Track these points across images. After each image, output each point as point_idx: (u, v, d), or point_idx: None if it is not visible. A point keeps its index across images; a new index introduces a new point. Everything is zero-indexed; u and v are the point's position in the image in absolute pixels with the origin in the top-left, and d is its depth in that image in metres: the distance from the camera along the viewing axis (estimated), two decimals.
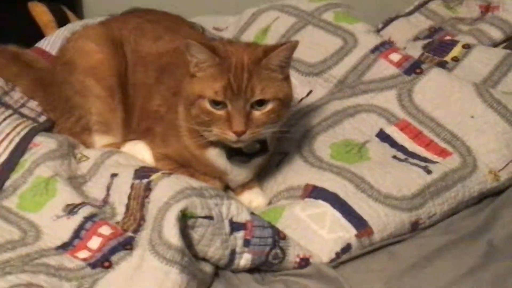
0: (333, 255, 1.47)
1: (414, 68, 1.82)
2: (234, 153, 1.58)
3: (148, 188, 1.48)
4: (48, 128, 1.83)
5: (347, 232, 1.48)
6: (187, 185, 1.43)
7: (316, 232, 1.49)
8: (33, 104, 1.93)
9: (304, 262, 1.45)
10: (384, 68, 1.85)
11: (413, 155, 1.68)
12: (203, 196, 1.41)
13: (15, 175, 1.63)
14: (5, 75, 1.94)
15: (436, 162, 1.64)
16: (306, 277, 1.43)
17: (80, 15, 2.64)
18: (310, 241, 1.48)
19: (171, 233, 1.31)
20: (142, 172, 1.56)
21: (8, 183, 1.61)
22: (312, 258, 1.45)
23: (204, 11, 2.42)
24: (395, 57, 1.86)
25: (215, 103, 1.48)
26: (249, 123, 1.47)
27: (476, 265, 1.43)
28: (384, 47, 1.89)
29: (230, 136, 1.47)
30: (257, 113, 1.48)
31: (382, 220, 1.51)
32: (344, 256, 1.47)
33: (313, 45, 1.95)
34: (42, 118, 1.88)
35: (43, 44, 2.16)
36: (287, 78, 1.55)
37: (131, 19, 1.88)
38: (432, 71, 1.80)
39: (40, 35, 2.26)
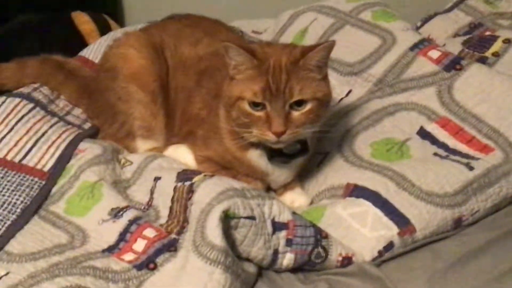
0: (375, 254, 1.47)
1: (453, 65, 1.81)
2: (275, 154, 1.59)
3: (190, 190, 1.50)
4: (93, 134, 1.88)
5: (389, 230, 1.48)
6: (229, 186, 1.45)
7: (358, 230, 1.50)
8: (78, 111, 1.98)
9: (347, 261, 1.45)
10: (423, 65, 1.84)
11: (454, 152, 1.67)
12: (245, 197, 1.43)
13: (62, 181, 1.67)
14: (50, 83, 1.99)
15: (479, 159, 1.63)
16: (349, 276, 1.43)
17: (121, 23, 2.68)
18: (352, 239, 1.49)
19: (214, 234, 1.33)
20: (185, 175, 1.58)
21: (55, 188, 1.66)
22: (354, 256, 1.46)
23: (242, 15, 2.43)
24: (434, 54, 1.85)
25: (254, 104, 1.49)
26: (288, 123, 1.48)
27: None
28: (423, 44, 1.89)
29: (270, 137, 1.49)
30: (296, 114, 1.49)
31: (425, 217, 1.50)
32: (386, 254, 1.47)
33: (352, 45, 1.95)
34: (87, 125, 1.93)
35: (86, 53, 2.21)
36: (325, 78, 1.56)
37: (170, 24, 1.91)
38: (472, 67, 1.79)
39: (83, 44, 2.30)
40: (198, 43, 1.82)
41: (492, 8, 2.23)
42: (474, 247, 1.46)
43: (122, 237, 1.48)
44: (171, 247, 1.42)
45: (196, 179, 1.53)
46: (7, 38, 2.25)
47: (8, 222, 1.55)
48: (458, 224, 1.53)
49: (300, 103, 1.49)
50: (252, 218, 1.40)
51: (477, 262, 1.43)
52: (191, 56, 1.81)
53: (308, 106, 1.50)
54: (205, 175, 1.55)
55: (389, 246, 1.47)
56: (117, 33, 2.22)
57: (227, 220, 1.38)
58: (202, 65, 1.78)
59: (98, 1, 2.65)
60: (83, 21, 2.39)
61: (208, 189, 1.46)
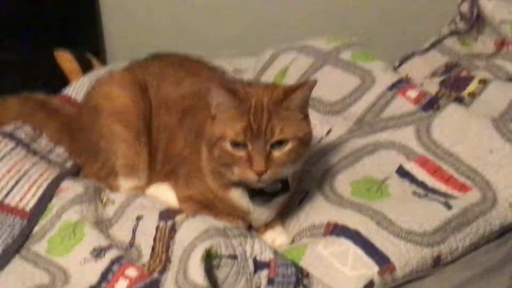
0: None
1: (431, 104, 1.84)
2: (256, 193, 1.60)
3: (173, 229, 1.51)
4: (75, 173, 1.88)
5: (370, 269, 1.49)
6: (211, 226, 1.46)
7: (338, 269, 1.50)
8: (59, 150, 1.98)
9: None
10: (401, 105, 1.87)
11: (433, 190, 1.69)
12: (227, 236, 1.44)
13: (43, 221, 1.66)
14: (32, 122, 1.99)
15: (457, 197, 1.65)
16: None
17: (103, 61, 2.70)
18: (333, 278, 1.49)
19: (197, 273, 1.33)
20: (167, 214, 1.59)
21: (37, 228, 1.65)
22: None
23: (224, 53, 2.46)
24: (413, 93, 1.89)
25: (236, 144, 1.50)
26: (269, 163, 1.49)
27: None
28: (401, 84, 1.92)
29: (251, 176, 1.50)
30: (277, 153, 1.51)
31: (404, 256, 1.51)
32: None
33: (332, 84, 1.98)
34: (69, 164, 1.93)
35: (68, 91, 2.22)
36: (306, 117, 1.57)
37: (153, 64, 1.93)
38: (449, 107, 1.82)
39: (66, 82, 2.31)
40: (181, 83, 1.84)
41: (468, 49, 2.28)
42: (453, 285, 1.48)
43: (104, 277, 1.47)
44: (153, 287, 1.42)
45: (178, 218, 1.54)
46: None
47: None
48: (437, 263, 1.54)
49: (281, 143, 1.51)
50: (234, 257, 1.41)
51: None
52: (174, 95, 1.82)
53: (289, 146, 1.52)
54: (187, 214, 1.55)
55: (370, 285, 1.48)
56: (100, 71, 2.24)
57: (209, 260, 1.38)
58: (184, 104, 1.79)
59: (80, 39, 2.67)
60: (65, 59, 2.41)
61: (190, 229, 1.47)
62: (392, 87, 1.92)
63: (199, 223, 1.49)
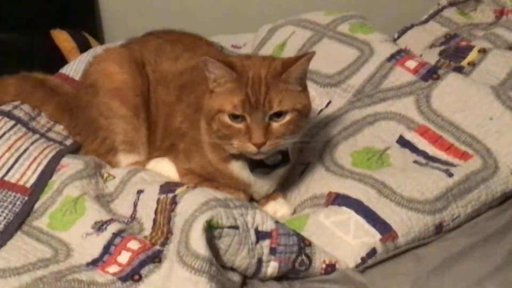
0: (358, 260, 1.48)
1: (430, 74, 1.84)
2: (256, 165, 1.61)
3: (174, 202, 1.51)
4: (75, 150, 1.88)
5: (372, 237, 1.49)
6: (212, 197, 1.46)
7: (341, 238, 1.51)
8: (59, 128, 1.99)
9: (330, 268, 1.46)
10: (400, 75, 1.87)
11: (434, 159, 1.69)
12: (228, 207, 1.44)
13: (44, 196, 1.67)
14: (31, 101, 1.99)
15: (458, 165, 1.65)
16: (333, 283, 1.44)
17: (101, 41, 2.70)
18: (336, 247, 1.50)
19: (198, 244, 1.33)
20: (167, 187, 1.59)
21: (38, 204, 1.65)
22: (338, 264, 1.47)
23: (222, 30, 2.46)
24: (411, 64, 1.88)
25: (234, 116, 1.51)
26: (268, 134, 1.50)
27: (501, 265, 1.43)
28: (400, 55, 1.92)
29: (251, 148, 1.50)
30: (275, 125, 1.51)
31: (406, 224, 1.51)
32: (369, 261, 1.48)
33: (330, 57, 1.98)
34: (69, 142, 1.93)
35: (66, 70, 2.22)
36: (304, 89, 1.58)
37: (151, 40, 1.93)
38: (449, 76, 1.82)
39: (63, 62, 2.31)
40: (179, 58, 1.84)
41: (467, 19, 2.28)
42: (455, 252, 1.48)
43: (106, 250, 1.48)
44: (156, 258, 1.43)
45: (179, 191, 1.54)
46: None
47: None
48: (439, 230, 1.55)
49: (279, 115, 1.51)
50: (235, 227, 1.41)
51: (459, 267, 1.45)
52: (172, 71, 1.82)
53: (287, 117, 1.52)
54: (187, 187, 1.56)
55: (372, 252, 1.48)
56: (97, 50, 2.23)
57: (211, 230, 1.38)
58: (182, 79, 1.79)
59: (77, 19, 2.67)
60: (63, 39, 2.40)
61: (191, 200, 1.47)
62: (391, 58, 1.92)
63: (199, 195, 1.48)
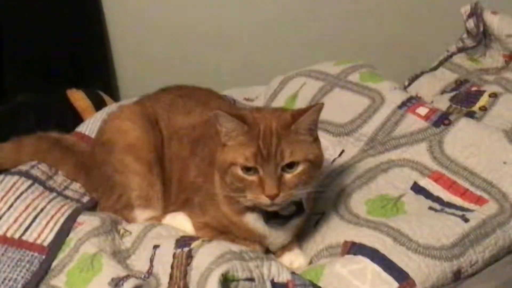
0: None
1: (442, 120, 1.84)
2: (271, 217, 1.61)
3: (189, 256, 1.51)
4: (91, 207, 1.89)
5: (390, 286, 1.48)
6: (227, 250, 1.46)
7: (358, 287, 1.50)
8: (76, 186, 1.99)
9: None
10: (412, 122, 1.87)
11: (449, 205, 1.69)
12: (244, 259, 1.44)
13: (61, 255, 1.67)
14: (48, 160, 2.01)
15: (473, 210, 1.64)
16: None
17: (116, 99, 2.73)
18: None
19: None
20: (183, 241, 1.59)
21: (55, 262, 1.65)
22: None
23: (234, 83, 2.49)
24: (423, 110, 1.89)
25: (247, 169, 1.52)
26: (281, 186, 1.50)
27: None
28: (411, 102, 1.93)
29: (264, 200, 1.51)
30: (288, 176, 1.52)
31: (423, 271, 1.50)
32: None
33: (342, 106, 1.99)
34: (85, 199, 1.94)
35: (82, 129, 2.24)
36: (316, 140, 1.59)
37: (163, 96, 1.95)
38: (460, 121, 1.83)
39: (79, 120, 2.33)
40: (191, 113, 1.86)
41: (476, 64, 2.28)
42: None
43: None
44: None
45: (194, 244, 1.54)
46: (5, 118, 2.29)
47: None
48: (457, 277, 1.53)
49: (291, 166, 1.52)
50: (251, 280, 1.41)
51: None
52: (185, 125, 1.84)
53: (300, 168, 1.53)
54: (203, 240, 1.56)
55: None
56: (111, 107, 2.26)
57: (227, 283, 1.38)
58: (195, 133, 1.81)
59: (92, 78, 2.71)
60: (78, 98, 2.43)
61: (206, 254, 1.47)
62: (402, 105, 1.93)
63: (215, 248, 1.49)
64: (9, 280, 1.59)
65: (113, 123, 1.89)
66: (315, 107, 1.54)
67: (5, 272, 1.61)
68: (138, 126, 1.84)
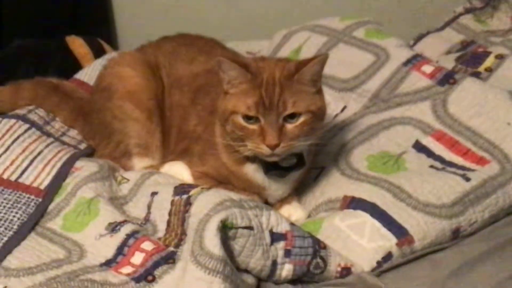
0: (374, 264, 1.46)
1: (447, 79, 1.82)
2: (271, 168, 1.60)
3: (188, 203, 1.50)
4: (89, 154, 1.89)
5: (388, 241, 1.48)
6: (227, 197, 1.45)
7: (356, 241, 1.49)
8: (73, 132, 1.98)
9: (346, 271, 1.45)
10: (417, 80, 1.85)
11: (450, 164, 1.67)
12: (243, 207, 1.42)
13: (58, 198, 1.66)
14: (46, 106, 1.99)
15: (475, 170, 1.63)
16: (348, 286, 1.42)
17: (115, 47, 2.70)
18: (351, 250, 1.48)
19: (213, 243, 1.32)
20: (182, 189, 1.58)
21: (52, 206, 1.65)
22: (353, 267, 1.45)
23: (236, 37, 2.45)
24: (428, 68, 1.87)
25: (248, 118, 1.50)
26: (282, 136, 1.49)
27: None
28: (416, 60, 1.90)
29: (264, 149, 1.49)
30: (289, 126, 1.50)
31: (423, 228, 1.50)
32: (385, 265, 1.46)
33: (346, 62, 1.97)
34: (83, 146, 1.93)
35: (80, 75, 2.22)
36: (319, 92, 1.57)
37: (165, 43, 1.93)
38: (465, 80, 1.80)
39: (78, 67, 2.32)
40: (193, 61, 1.84)
41: (483, 26, 2.26)
42: (473, 257, 1.45)
43: (119, 251, 1.47)
44: (169, 259, 1.42)
45: (193, 192, 1.53)
46: (3, 62, 2.26)
47: (5, 239, 1.54)
48: (456, 235, 1.53)
49: (293, 116, 1.50)
50: (250, 228, 1.40)
51: (476, 272, 1.42)
52: (186, 74, 1.82)
53: (301, 119, 1.51)
54: (202, 188, 1.55)
55: (388, 256, 1.47)
56: (111, 54, 2.23)
57: (225, 230, 1.37)
58: (197, 82, 1.79)
59: (92, 26, 2.68)
60: (77, 44, 2.41)
61: (205, 201, 1.46)
62: (407, 62, 1.90)
63: (214, 195, 1.48)
64: (5, 221, 1.59)
65: (113, 69, 1.87)
66: (320, 57, 1.52)
67: (0, 213, 1.60)
68: (139, 73, 1.82)
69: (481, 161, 1.67)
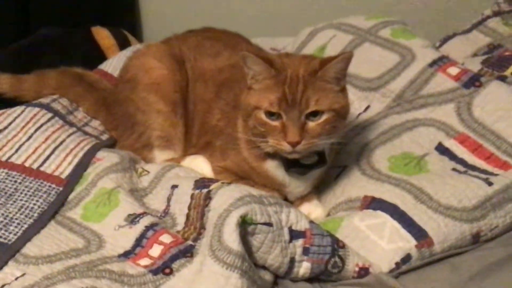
0: (393, 265, 1.45)
1: (473, 82, 1.80)
2: (292, 165, 1.59)
3: (208, 197, 1.50)
4: (110, 145, 1.89)
5: (407, 242, 1.47)
6: (247, 193, 1.45)
7: (375, 242, 1.48)
8: (95, 123, 1.99)
9: (364, 271, 1.44)
10: (442, 82, 1.83)
11: (473, 167, 1.66)
12: (263, 203, 1.42)
13: (79, 188, 1.67)
14: (69, 95, 2.00)
15: (498, 175, 1.61)
16: (366, 287, 1.41)
17: (140, 39, 2.71)
18: (369, 251, 1.47)
19: (231, 238, 1.32)
20: (202, 183, 1.58)
21: (72, 195, 1.66)
22: (371, 267, 1.44)
23: (261, 33, 2.45)
24: (454, 70, 1.85)
25: (270, 114, 1.50)
26: (303, 134, 1.48)
27: None
28: (442, 61, 1.88)
29: (285, 146, 1.49)
30: (312, 124, 1.50)
31: (443, 231, 1.48)
32: (404, 267, 1.45)
33: (371, 61, 1.96)
34: (105, 136, 1.94)
35: (105, 66, 2.23)
36: (343, 90, 1.56)
37: (191, 37, 1.93)
38: (491, 84, 1.78)
39: (103, 58, 2.32)
40: (218, 56, 1.83)
41: (511, 29, 2.23)
42: (493, 261, 1.44)
43: (138, 242, 1.48)
44: (187, 253, 1.42)
45: (213, 186, 1.53)
46: (29, 50, 2.27)
47: (25, 226, 1.55)
48: (476, 239, 1.52)
49: (316, 114, 1.50)
50: (269, 224, 1.40)
51: (496, 277, 1.41)
52: (211, 68, 1.82)
53: (324, 117, 1.50)
54: (222, 183, 1.55)
55: (407, 258, 1.46)
56: (137, 46, 2.24)
57: (244, 226, 1.37)
58: (221, 77, 1.79)
59: (118, 17, 2.68)
60: (103, 35, 2.41)
61: (225, 196, 1.46)
62: (433, 64, 1.88)
63: (234, 191, 1.47)
64: (26, 209, 1.59)
65: (138, 61, 1.87)
66: (344, 55, 1.51)
67: (21, 201, 1.61)
68: (164, 65, 1.82)
69: (504, 165, 1.65)
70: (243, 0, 2.76)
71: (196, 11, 2.77)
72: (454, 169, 1.66)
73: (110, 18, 2.59)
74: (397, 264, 1.45)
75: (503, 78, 1.86)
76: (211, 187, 1.53)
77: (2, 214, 1.57)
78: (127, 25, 2.62)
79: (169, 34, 2.04)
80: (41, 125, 1.83)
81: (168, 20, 2.75)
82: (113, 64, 2.21)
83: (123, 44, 2.40)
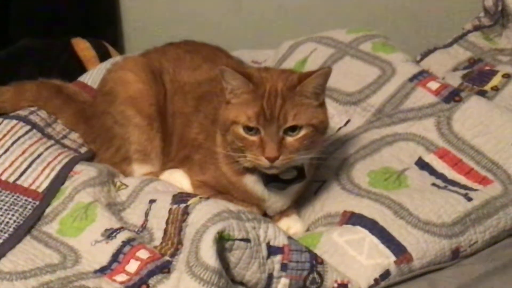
0: (371, 281, 1.44)
1: (453, 96, 1.80)
2: (271, 180, 1.58)
3: (185, 212, 1.49)
4: (89, 158, 1.87)
5: (386, 258, 1.46)
6: (225, 208, 1.44)
7: (354, 258, 1.47)
8: (74, 136, 1.97)
9: (342, 287, 1.43)
10: (422, 96, 1.83)
11: (453, 182, 1.66)
12: (241, 219, 1.41)
13: (55, 202, 1.66)
14: (48, 107, 1.98)
15: (477, 190, 1.61)
16: None
17: (121, 52, 2.70)
18: (348, 267, 1.46)
19: (208, 255, 1.31)
20: (180, 197, 1.57)
21: (49, 209, 1.64)
22: (350, 284, 1.43)
23: (243, 46, 2.45)
24: (434, 85, 1.85)
25: (248, 129, 1.49)
26: (282, 149, 1.47)
27: None
28: (422, 76, 1.88)
29: (263, 161, 1.48)
30: (290, 139, 1.49)
31: (422, 246, 1.48)
32: (383, 283, 1.44)
33: (351, 75, 1.95)
34: (83, 149, 1.93)
35: (85, 78, 2.21)
36: (322, 105, 1.55)
37: (170, 49, 1.92)
38: (471, 99, 1.79)
39: (83, 70, 2.31)
40: (198, 69, 1.83)
41: (491, 44, 2.23)
42: (471, 278, 1.44)
43: (114, 258, 1.46)
44: (164, 268, 1.41)
45: (191, 201, 1.52)
46: (7, 62, 2.26)
47: (0, 241, 1.53)
48: (456, 255, 1.51)
49: (294, 129, 1.49)
50: (247, 240, 1.38)
51: None
52: (190, 81, 1.81)
53: (302, 132, 1.49)
54: (200, 198, 1.54)
55: (386, 274, 1.45)
56: (116, 58, 2.22)
57: (222, 242, 1.36)
58: (200, 90, 1.78)
59: (99, 29, 2.68)
60: (83, 47, 2.40)
61: (203, 211, 1.45)
62: (413, 78, 1.89)
63: (212, 206, 1.46)
64: (1, 223, 1.58)
65: (116, 74, 1.86)
66: (323, 70, 1.51)
67: None
68: (141, 79, 1.81)
69: (483, 181, 1.65)
70: (224, 12, 2.77)
71: (176, 23, 2.77)
72: (433, 184, 1.66)
73: (92, 30, 2.59)
74: (376, 280, 1.44)
75: (483, 93, 1.87)
76: (188, 202, 1.51)
77: None
78: (109, 37, 2.62)
79: (150, 46, 2.04)
80: (19, 138, 1.81)
81: (150, 32, 2.75)
82: (93, 76, 2.19)
83: (103, 56, 2.39)
